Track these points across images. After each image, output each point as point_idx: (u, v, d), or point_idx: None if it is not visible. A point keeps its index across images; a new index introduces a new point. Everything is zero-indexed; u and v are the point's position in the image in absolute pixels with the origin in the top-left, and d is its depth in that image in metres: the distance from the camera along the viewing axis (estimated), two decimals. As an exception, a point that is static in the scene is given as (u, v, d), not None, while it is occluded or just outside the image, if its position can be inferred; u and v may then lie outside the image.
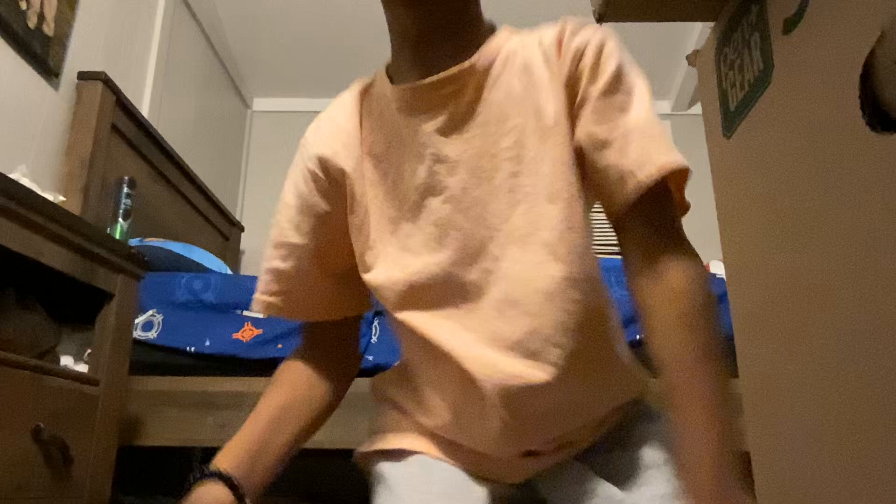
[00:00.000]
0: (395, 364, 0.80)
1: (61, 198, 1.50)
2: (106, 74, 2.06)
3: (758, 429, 0.70)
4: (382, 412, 0.78)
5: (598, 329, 0.67)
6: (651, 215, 0.63)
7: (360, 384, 1.92)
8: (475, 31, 0.69)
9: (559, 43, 0.66)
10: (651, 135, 0.63)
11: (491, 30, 0.71)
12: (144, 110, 2.48)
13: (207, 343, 1.76)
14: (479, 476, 0.69)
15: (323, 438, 1.82)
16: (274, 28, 3.18)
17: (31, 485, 1.13)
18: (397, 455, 0.72)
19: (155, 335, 1.77)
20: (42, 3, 1.86)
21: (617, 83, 0.64)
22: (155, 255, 1.90)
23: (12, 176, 1.31)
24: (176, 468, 2.44)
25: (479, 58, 0.67)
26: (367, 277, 0.71)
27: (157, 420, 1.69)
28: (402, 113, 0.68)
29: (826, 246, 0.52)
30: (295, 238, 0.73)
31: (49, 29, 1.90)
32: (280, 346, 1.76)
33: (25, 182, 1.30)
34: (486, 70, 0.67)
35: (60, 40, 1.96)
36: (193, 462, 2.50)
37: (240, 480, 0.66)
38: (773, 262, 0.63)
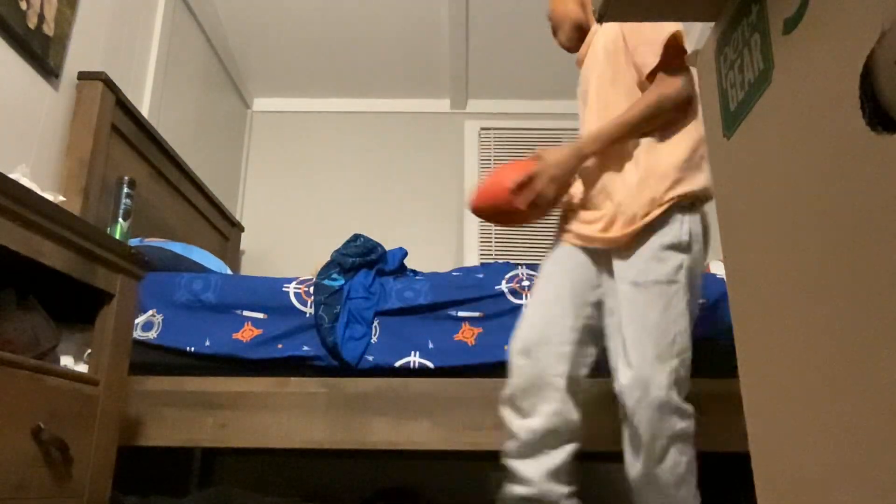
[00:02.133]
0: None
1: (61, 198, 1.50)
2: (106, 74, 2.07)
3: (758, 429, 0.70)
4: None
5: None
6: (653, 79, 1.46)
7: (361, 384, 1.91)
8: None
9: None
10: (650, 44, 1.44)
11: None
12: (144, 110, 2.48)
13: (207, 343, 1.76)
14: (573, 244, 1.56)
15: (323, 438, 1.83)
16: (274, 28, 3.18)
17: (31, 485, 1.13)
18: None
19: (155, 335, 1.77)
20: (42, 3, 1.86)
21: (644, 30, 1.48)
22: (155, 255, 1.90)
23: (12, 176, 1.31)
24: (176, 468, 2.45)
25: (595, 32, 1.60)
26: None
27: (157, 420, 1.70)
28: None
29: (826, 246, 0.52)
30: None
31: (49, 29, 1.90)
32: (280, 345, 1.76)
33: (25, 182, 1.30)
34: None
35: (60, 40, 1.96)
36: (193, 462, 2.50)
37: None
38: (773, 262, 0.63)
